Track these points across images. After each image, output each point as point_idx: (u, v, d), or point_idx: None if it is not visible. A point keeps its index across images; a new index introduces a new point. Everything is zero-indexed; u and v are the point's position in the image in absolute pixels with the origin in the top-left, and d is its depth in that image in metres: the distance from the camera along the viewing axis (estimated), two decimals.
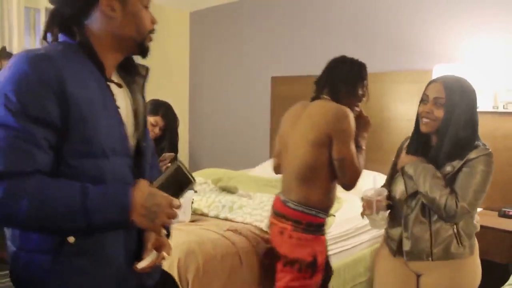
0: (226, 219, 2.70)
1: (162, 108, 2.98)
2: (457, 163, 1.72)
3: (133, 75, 1.33)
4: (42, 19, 4.30)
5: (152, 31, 1.27)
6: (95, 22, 1.16)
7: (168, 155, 2.90)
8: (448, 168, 1.73)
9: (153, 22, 1.27)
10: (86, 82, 1.11)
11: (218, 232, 2.40)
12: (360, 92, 2.09)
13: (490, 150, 1.73)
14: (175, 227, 2.56)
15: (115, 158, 1.15)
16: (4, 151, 0.99)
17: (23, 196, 0.98)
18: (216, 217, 2.75)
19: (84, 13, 1.16)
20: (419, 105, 1.82)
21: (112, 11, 1.15)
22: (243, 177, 3.63)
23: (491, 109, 2.97)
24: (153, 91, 4.63)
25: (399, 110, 3.51)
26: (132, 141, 1.24)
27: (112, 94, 1.18)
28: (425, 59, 3.34)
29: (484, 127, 2.99)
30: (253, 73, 4.71)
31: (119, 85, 1.24)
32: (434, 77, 3.03)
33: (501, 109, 2.93)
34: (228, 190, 3.25)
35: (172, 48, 5.26)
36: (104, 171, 1.12)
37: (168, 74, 5.21)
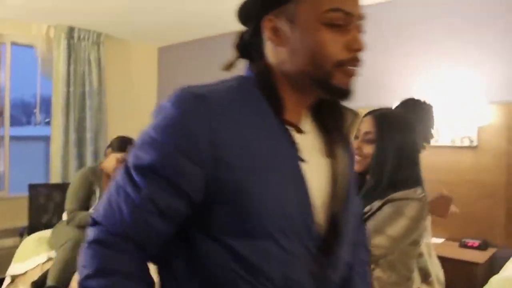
0: None
1: (129, 145, 2.97)
2: (377, 203, 1.46)
3: (337, 120, 0.92)
4: (8, 53, 4.26)
5: (348, 61, 0.81)
6: (266, 48, 0.87)
7: None
8: (366, 208, 1.48)
9: (352, 47, 0.81)
10: (254, 133, 0.79)
11: None
12: None
13: (421, 196, 1.46)
14: None
15: (288, 241, 0.78)
16: (127, 214, 0.77)
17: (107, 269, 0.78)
18: None
19: (256, 34, 0.88)
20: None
21: (275, 35, 0.83)
22: None
23: (449, 144, 3.09)
24: (121, 126, 4.66)
25: None
26: (322, 215, 0.84)
27: (293, 145, 0.82)
28: (384, 95, 3.46)
29: (442, 161, 3.12)
30: None
31: (300, 131, 0.85)
32: None
33: (458, 144, 3.04)
34: None
35: (140, 83, 5.27)
36: (270, 259, 0.77)
37: (136, 109, 5.20)
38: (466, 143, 3.01)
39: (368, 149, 1.52)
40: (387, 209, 1.42)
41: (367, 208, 1.47)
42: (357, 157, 1.51)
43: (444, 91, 3.14)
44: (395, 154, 1.47)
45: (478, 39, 3.13)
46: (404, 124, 1.55)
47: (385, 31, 3.54)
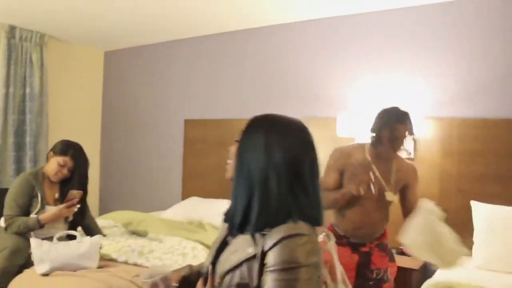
0: (135, 265, 2.64)
1: (72, 149, 2.90)
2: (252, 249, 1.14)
3: None
4: None
5: None
6: None
7: (76, 192, 2.81)
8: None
9: None
10: None
11: (126, 279, 2.34)
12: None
13: (303, 231, 1.12)
14: (80, 274, 2.46)
15: None
16: None
17: None
18: (126, 263, 2.68)
19: None
20: None
21: None
22: (154, 220, 3.58)
23: None
24: (64, 131, 4.52)
25: None
26: None
27: None
28: (329, 108, 3.60)
29: None
30: (166, 115, 4.73)
31: None
32: (338, 125, 3.30)
33: None
34: (138, 233, 3.19)
35: (85, 87, 5.15)
36: None
37: (80, 113, 5.08)
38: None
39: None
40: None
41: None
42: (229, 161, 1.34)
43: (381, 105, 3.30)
44: (259, 171, 1.17)
45: (413, 55, 3.34)
46: (289, 131, 1.23)
47: (329, 44, 3.69)
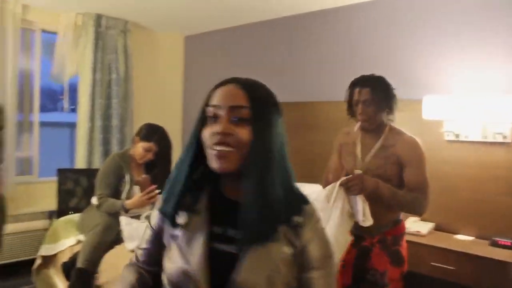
0: None
1: (156, 134, 2.99)
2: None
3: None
4: (37, 40, 4.33)
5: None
6: None
7: (142, 178, 2.95)
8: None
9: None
10: None
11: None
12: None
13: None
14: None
15: None
16: None
17: None
18: None
19: None
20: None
21: None
22: None
23: (480, 139, 3.04)
24: (148, 114, 4.70)
25: None
26: None
27: None
28: (415, 89, 3.42)
29: (473, 157, 3.08)
30: None
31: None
32: (424, 107, 3.13)
33: (490, 139, 3.00)
34: None
35: (166, 72, 5.31)
36: None
37: (162, 97, 5.25)
38: (499, 139, 2.96)
39: (243, 134, 1.00)
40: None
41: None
42: (219, 148, 1.00)
43: (476, 87, 3.09)
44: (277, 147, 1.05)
45: (509, 31, 3.07)
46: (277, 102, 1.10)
47: (410, 21, 3.49)
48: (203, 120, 1.06)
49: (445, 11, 3.35)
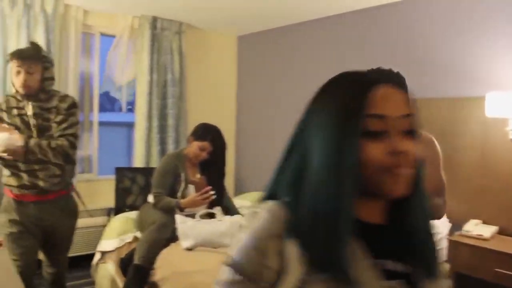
0: None
1: (211, 133, 3.04)
2: None
3: None
4: (96, 43, 4.50)
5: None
6: None
7: (197, 178, 2.99)
8: None
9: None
10: None
11: None
12: None
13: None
14: (222, 251, 2.57)
15: None
16: None
17: None
18: None
19: None
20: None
21: None
22: None
23: None
24: (201, 114, 4.77)
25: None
26: None
27: None
28: (477, 85, 3.26)
29: None
30: (300, 97, 4.69)
31: None
32: (487, 105, 2.98)
33: None
34: None
35: (220, 71, 5.37)
36: None
37: (215, 97, 5.31)
38: None
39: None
40: None
41: None
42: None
43: None
44: None
45: None
46: None
47: (471, 17, 3.33)
48: (357, 133, 0.78)
49: (509, 5, 3.17)
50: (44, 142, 2.35)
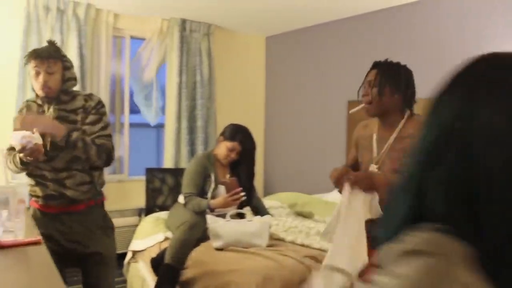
0: (303, 245, 2.66)
1: (240, 134, 3.04)
2: None
3: None
4: (127, 46, 4.56)
5: None
6: None
7: (227, 179, 2.97)
8: None
9: None
10: None
11: (296, 258, 2.36)
12: None
13: None
14: (252, 251, 2.56)
15: None
16: None
17: None
18: (293, 243, 2.72)
19: None
20: None
21: None
22: (318, 202, 3.59)
23: None
24: (230, 114, 4.78)
25: None
26: None
27: None
28: None
29: None
30: (329, 97, 4.67)
31: None
32: None
33: None
34: (303, 215, 3.22)
35: (248, 72, 5.37)
36: None
37: (244, 98, 5.32)
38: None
39: None
40: None
41: None
42: None
43: None
44: None
45: None
46: None
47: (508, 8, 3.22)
48: None
49: None
50: (87, 138, 2.14)
